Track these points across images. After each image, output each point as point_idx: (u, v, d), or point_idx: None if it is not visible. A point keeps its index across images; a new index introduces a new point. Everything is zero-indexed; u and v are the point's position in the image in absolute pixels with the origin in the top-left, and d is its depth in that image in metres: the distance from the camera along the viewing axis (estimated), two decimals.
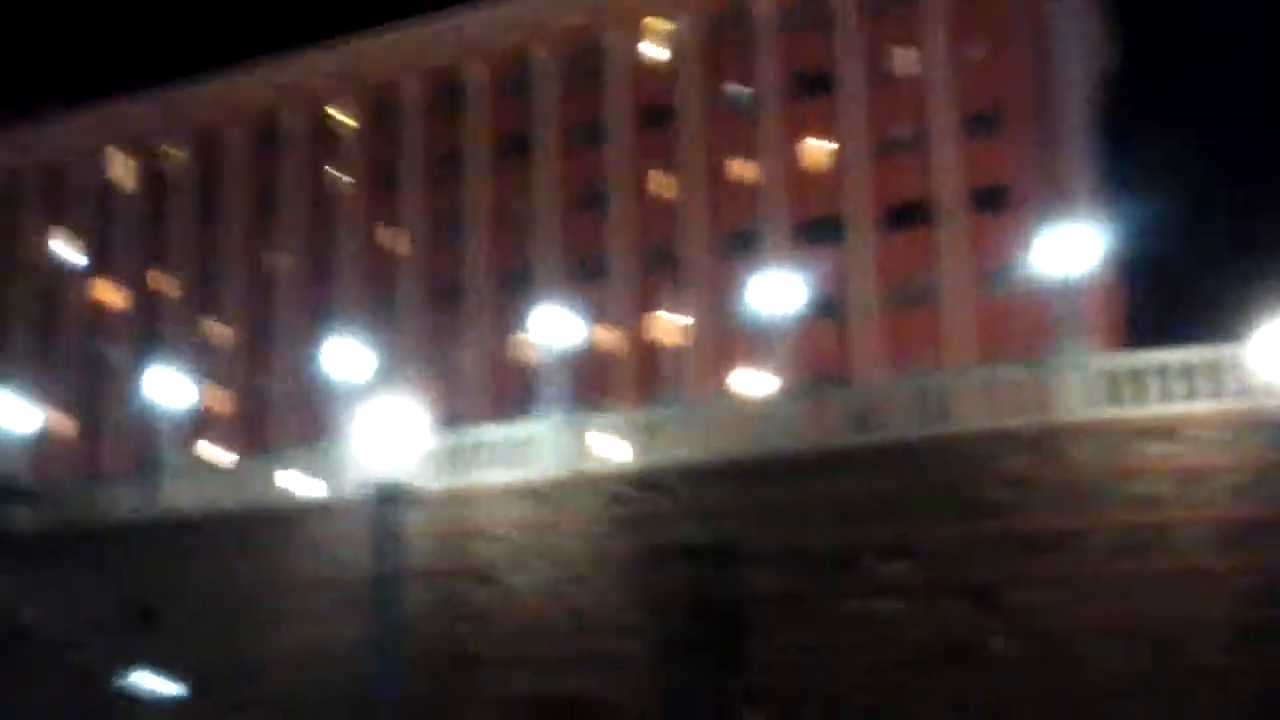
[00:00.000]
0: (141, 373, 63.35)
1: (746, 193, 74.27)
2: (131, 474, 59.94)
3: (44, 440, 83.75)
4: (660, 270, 75.08)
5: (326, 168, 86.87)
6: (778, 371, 60.87)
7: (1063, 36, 71.70)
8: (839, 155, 72.92)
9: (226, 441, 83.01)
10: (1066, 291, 39.74)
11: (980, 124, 70.60)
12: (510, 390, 73.72)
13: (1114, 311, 71.82)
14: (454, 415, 65.28)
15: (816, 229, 71.50)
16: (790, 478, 39.19)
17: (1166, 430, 37.28)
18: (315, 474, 47.31)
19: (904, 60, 72.86)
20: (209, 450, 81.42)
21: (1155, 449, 37.17)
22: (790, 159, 73.68)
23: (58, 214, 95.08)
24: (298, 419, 79.97)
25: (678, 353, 66.85)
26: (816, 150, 73.58)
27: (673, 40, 78.14)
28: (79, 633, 47.91)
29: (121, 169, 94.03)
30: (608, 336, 73.91)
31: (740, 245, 72.70)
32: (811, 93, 74.29)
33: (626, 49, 79.20)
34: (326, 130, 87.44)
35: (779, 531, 38.61)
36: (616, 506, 41.13)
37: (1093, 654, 35.44)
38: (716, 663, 38.03)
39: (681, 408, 51.15)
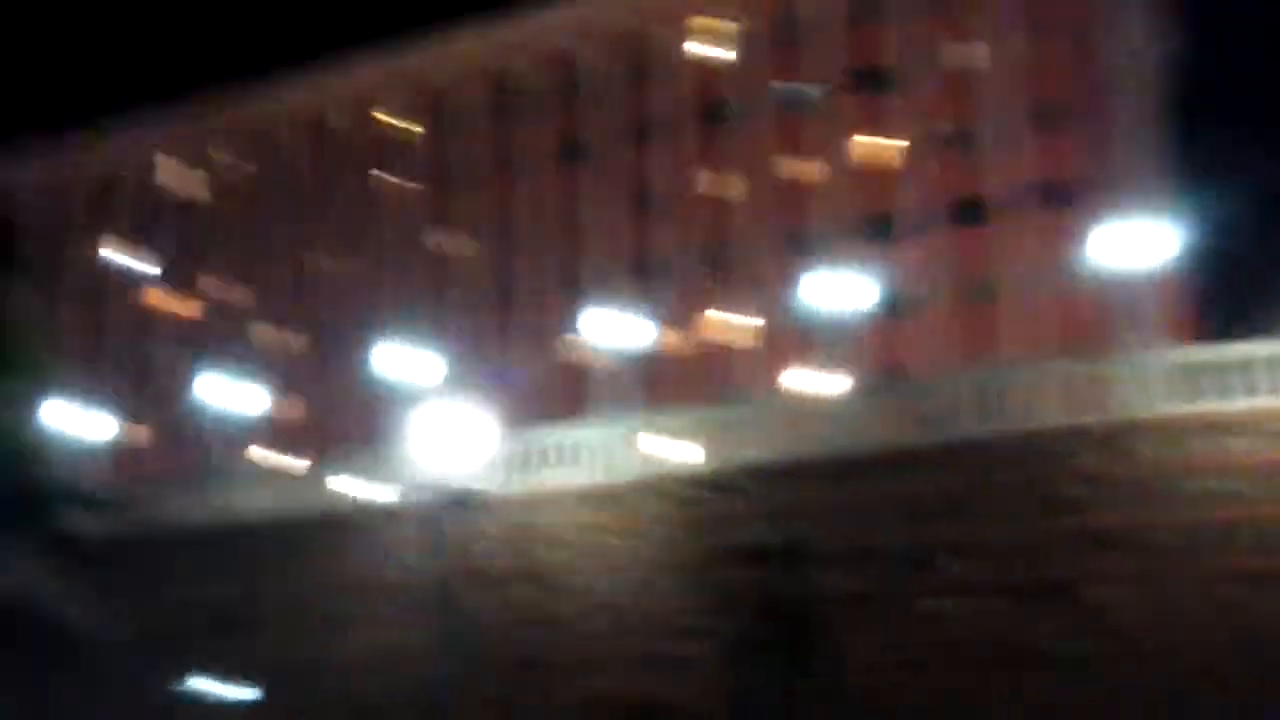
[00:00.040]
0: (204, 380, 63.64)
1: (805, 191, 73.82)
2: (197, 481, 60.09)
3: (112, 448, 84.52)
4: (719, 270, 74.72)
5: (382, 172, 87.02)
6: (841, 370, 60.42)
7: (1125, 26, 70.76)
8: (898, 151, 72.35)
9: (290, 447, 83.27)
10: (1132, 286, 39.12)
11: (1042, 117, 69.88)
12: (571, 393, 73.62)
13: (1182, 306, 70.87)
14: (517, 419, 65.16)
15: (877, 226, 70.97)
16: (857, 477, 38.78)
17: (1239, 425, 36.67)
18: (379, 479, 47.23)
19: (962, 54, 72.18)
20: (273, 456, 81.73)
21: (1228, 444, 36.56)
22: (849, 156, 73.15)
23: (115, 223, 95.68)
24: (360, 423, 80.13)
25: (739, 353, 66.43)
26: (875, 146, 73.02)
27: (727, 38, 77.76)
28: (149, 638, 48.08)
29: (177, 177, 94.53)
30: (668, 337, 73.61)
31: (800, 244, 72.24)
32: (869, 88, 73.71)
33: (680, 48, 78.89)
34: (382, 134, 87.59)
35: (847, 531, 38.19)
36: (682, 508, 40.84)
37: (1168, 652, 34.86)
38: (786, 664, 37.64)
39: (746, 408, 50.67)
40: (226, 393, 50.71)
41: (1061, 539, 36.05)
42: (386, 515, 45.65)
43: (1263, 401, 36.76)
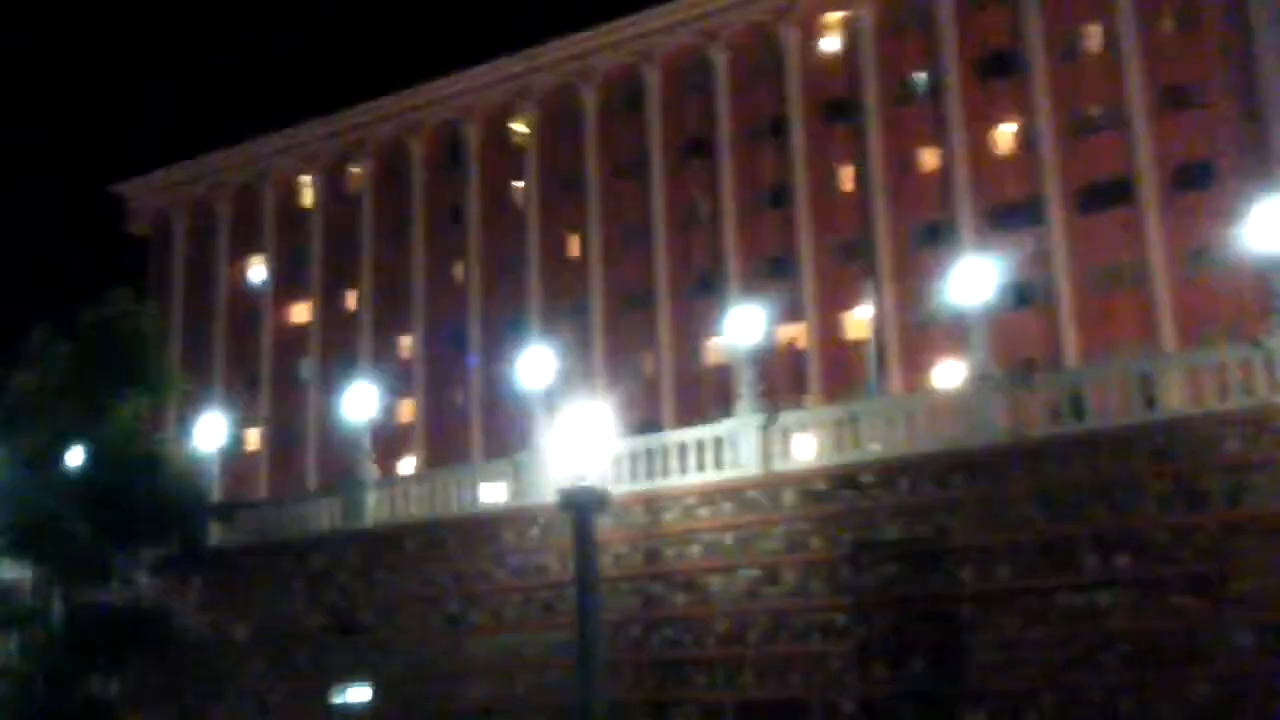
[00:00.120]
0: (334, 388, 64.03)
1: (935, 181, 72.77)
2: (327, 488, 60.53)
3: (242, 456, 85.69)
4: (850, 264, 73.89)
5: (508, 178, 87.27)
6: (976, 361, 59.30)
7: (1262, 1, 68.72)
8: (1030, 137, 71.01)
9: (419, 452, 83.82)
10: (1277, 268, 37.62)
11: (1177, 98, 68.32)
12: (701, 392, 73.24)
13: None
14: (646, 419, 64.90)
15: (1010, 214, 69.77)
16: (994, 469, 37.72)
17: None
18: (507, 482, 47.05)
19: (1092, 36, 70.68)
20: (403, 462, 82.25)
21: None
22: (979, 144, 72.00)
23: (249, 236, 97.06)
24: (488, 428, 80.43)
25: (871, 347, 65.60)
26: (1006, 133, 71.75)
27: (851, 30, 76.88)
28: (282, 644, 48.37)
29: (309, 190, 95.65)
30: (799, 333, 72.95)
31: (932, 235, 71.24)
32: (998, 74, 72.58)
33: (804, 43, 78.20)
34: (507, 141, 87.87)
35: (985, 525, 37.17)
36: (815, 505, 40.02)
37: None
38: (927, 663, 36.78)
39: (879, 401, 49.80)
40: (357, 401, 50.78)
41: (1212, 529, 34.71)
42: (516, 518, 45.40)
43: None
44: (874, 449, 40.06)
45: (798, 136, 77.17)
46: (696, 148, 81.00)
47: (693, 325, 77.38)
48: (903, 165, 74.15)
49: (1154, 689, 34.01)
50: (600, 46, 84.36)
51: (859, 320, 72.22)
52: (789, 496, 40.66)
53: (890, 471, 38.97)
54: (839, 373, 71.62)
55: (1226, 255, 55.85)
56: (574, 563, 38.39)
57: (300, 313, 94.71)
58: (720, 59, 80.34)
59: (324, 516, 50.48)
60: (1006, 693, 35.75)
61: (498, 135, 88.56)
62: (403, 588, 46.89)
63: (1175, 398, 37.01)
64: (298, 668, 47.78)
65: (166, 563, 50.33)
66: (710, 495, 42.05)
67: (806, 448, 41.83)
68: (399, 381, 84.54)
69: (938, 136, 73.15)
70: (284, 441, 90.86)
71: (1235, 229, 42.46)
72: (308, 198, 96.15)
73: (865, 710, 37.89)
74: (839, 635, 38.78)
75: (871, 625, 38.07)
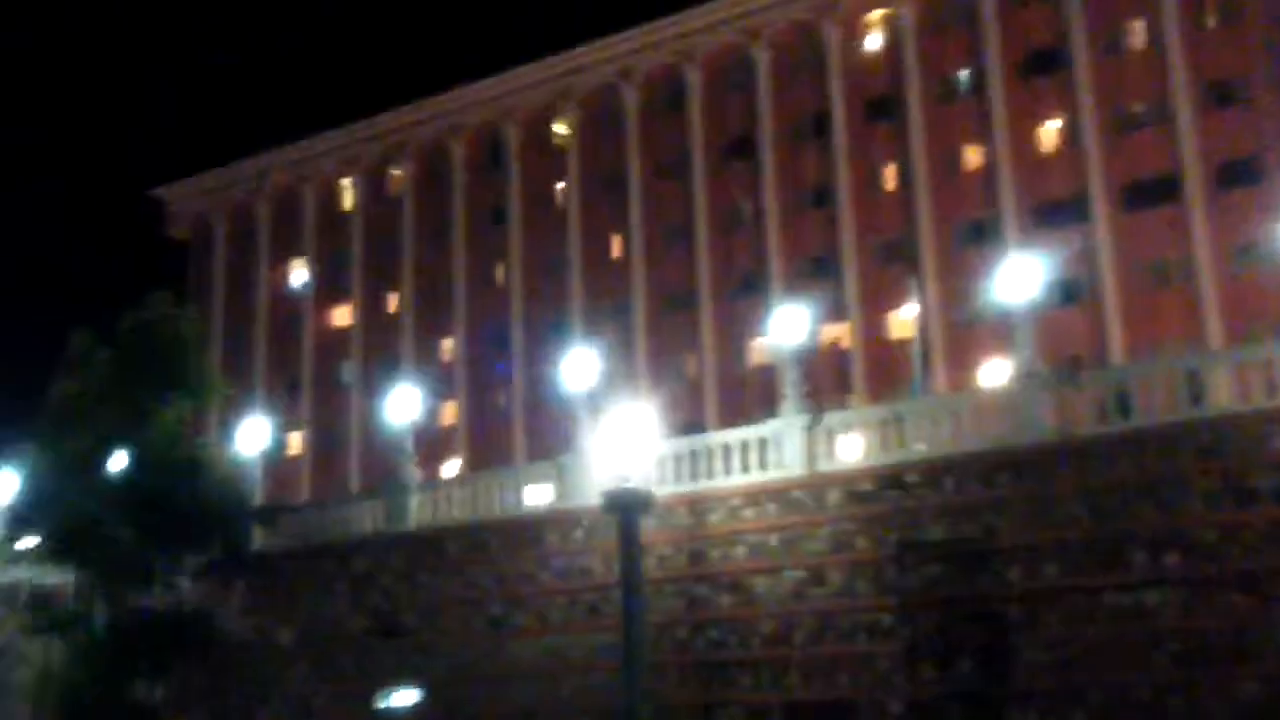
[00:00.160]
0: (376, 391, 64.03)
1: (979, 179, 72.30)
2: (369, 491, 60.52)
3: (284, 460, 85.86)
4: (893, 264, 73.49)
5: (549, 180, 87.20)
6: (1022, 359, 58.83)
7: None
8: (1074, 134, 70.45)
9: (461, 455, 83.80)
10: None
11: (1221, 94, 67.71)
12: (744, 393, 72.99)
13: None
14: (689, 420, 64.68)
15: (1055, 211, 69.26)
16: (1041, 468, 37.36)
17: None
18: (551, 484, 46.92)
19: (1136, 31, 70.09)
20: (445, 464, 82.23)
21: None
22: (1023, 141, 71.49)
23: (290, 240, 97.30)
24: (531, 429, 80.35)
25: (916, 346, 65.18)
26: (1050, 130, 71.22)
27: (893, 28, 76.47)
28: (325, 647, 48.36)
29: (350, 193, 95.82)
30: (842, 333, 72.60)
31: (976, 233, 70.80)
32: (1041, 71, 72.05)
33: (846, 41, 77.83)
34: (548, 142, 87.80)
35: (1032, 525, 36.80)
36: (860, 505, 39.72)
37: None
38: (974, 663, 36.42)
39: (924, 401, 49.38)
40: (399, 404, 50.76)
41: (1256, 527, 34.24)
42: (559, 520, 45.25)
43: None
44: (920, 449, 39.74)
45: (840, 135, 76.81)
46: (738, 147, 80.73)
47: (736, 326, 77.10)
48: (946, 163, 73.68)
49: (1203, 688, 33.59)
50: (641, 46, 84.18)
51: (903, 320, 71.83)
52: (834, 497, 40.39)
53: (936, 471, 38.65)
54: (883, 373, 71.20)
55: (1273, 251, 55.25)
56: (619, 565, 38.22)
57: (341, 316, 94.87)
58: (762, 58, 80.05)
59: (367, 520, 50.46)
60: (1054, 692, 35.38)
61: (539, 136, 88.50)
62: (446, 591, 46.81)
63: (1222, 395, 36.55)
64: (341, 671, 47.74)
65: (209, 567, 50.42)
66: (755, 496, 41.80)
67: (852, 448, 41.54)
68: (441, 384, 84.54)
69: (981, 134, 72.67)
70: (326, 445, 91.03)
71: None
72: (348, 200, 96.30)
73: (913, 711, 37.59)
74: (885, 636, 38.49)
75: (918, 625, 37.76)
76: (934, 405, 43.82)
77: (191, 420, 54.17)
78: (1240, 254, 65.43)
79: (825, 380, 67.22)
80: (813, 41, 78.93)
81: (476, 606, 46.05)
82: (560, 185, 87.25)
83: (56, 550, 50.88)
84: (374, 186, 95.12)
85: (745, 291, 77.61)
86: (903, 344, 70.84)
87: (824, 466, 41.06)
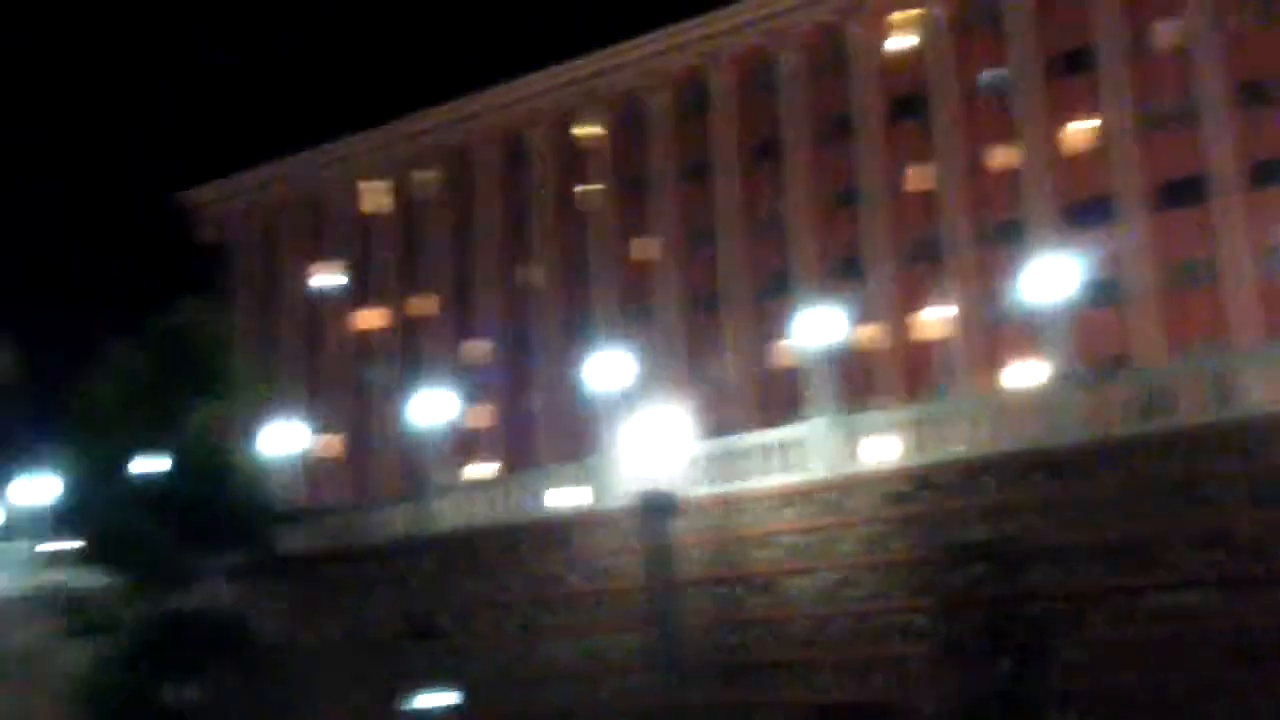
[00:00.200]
0: (405, 394, 64.07)
1: (1008, 179, 71.98)
2: (400, 493, 60.55)
3: (314, 463, 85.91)
4: (922, 264, 73.22)
5: (576, 182, 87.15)
6: (1053, 360, 58.72)
7: None
8: (1104, 134, 70.09)
9: (491, 457, 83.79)
10: None
11: (1254, 93, 67.16)
12: (773, 394, 72.79)
13: None
14: (718, 422, 64.50)
15: (1085, 212, 68.87)
16: (1075, 469, 37.24)
17: None
18: (581, 486, 46.91)
19: (1166, 31, 69.69)
20: (475, 467, 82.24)
21: None
22: (1052, 141, 71.14)
23: (318, 243, 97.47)
24: (560, 432, 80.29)
25: (945, 347, 64.89)
26: (1080, 130, 70.87)
27: (921, 28, 76.20)
28: (357, 649, 48.41)
29: (377, 196, 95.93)
30: (871, 334, 72.33)
31: (1005, 234, 70.45)
32: (1071, 71, 71.66)
33: (873, 42, 77.56)
34: (574, 145, 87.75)
35: (1067, 525, 36.67)
36: (893, 506, 39.63)
37: None
38: (1011, 664, 36.27)
39: (956, 401, 49.21)
40: (429, 407, 50.84)
41: None
42: (590, 521, 45.22)
43: None
44: (955, 449, 39.62)
45: (867, 136, 76.56)
46: (765, 149, 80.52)
47: (764, 327, 76.85)
48: (975, 163, 73.37)
49: (1247, 687, 33.37)
50: (667, 49, 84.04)
51: (932, 320, 71.54)
52: (867, 498, 40.30)
53: (972, 472, 38.54)
54: (912, 374, 70.95)
55: None
56: (650, 566, 38.23)
57: (371, 319, 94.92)
58: (788, 59, 79.88)
59: (398, 522, 50.55)
60: (1094, 693, 35.24)
61: (565, 139, 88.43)
62: (478, 592, 46.83)
63: (1260, 394, 36.36)
64: (375, 673, 47.76)
65: (243, 569, 50.52)
66: (788, 497, 41.74)
67: (884, 449, 41.43)
68: (470, 386, 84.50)
69: (1010, 134, 72.34)
70: (356, 447, 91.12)
71: None
72: (376, 203, 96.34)
73: (948, 712, 37.45)
74: (920, 637, 38.40)
75: (954, 626, 37.63)
76: (968, 406, 43.66)
77: (223, 423, 54.26)
78: (1273, 254, 65.04)
79: (854, 381, 66.97)
80: (839, 43, 78.71)
81: (508, 608, 46.07)
82: (587, 187, 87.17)
83: (92, 553, 51.12)
84: (401, 189, 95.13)
85: (773, 293, 77.37)
86: (931, 345, 70.56)
87: (857, 467, 40.98)
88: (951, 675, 37.39)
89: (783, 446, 42.64)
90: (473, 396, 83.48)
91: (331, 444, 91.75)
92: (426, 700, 45.02)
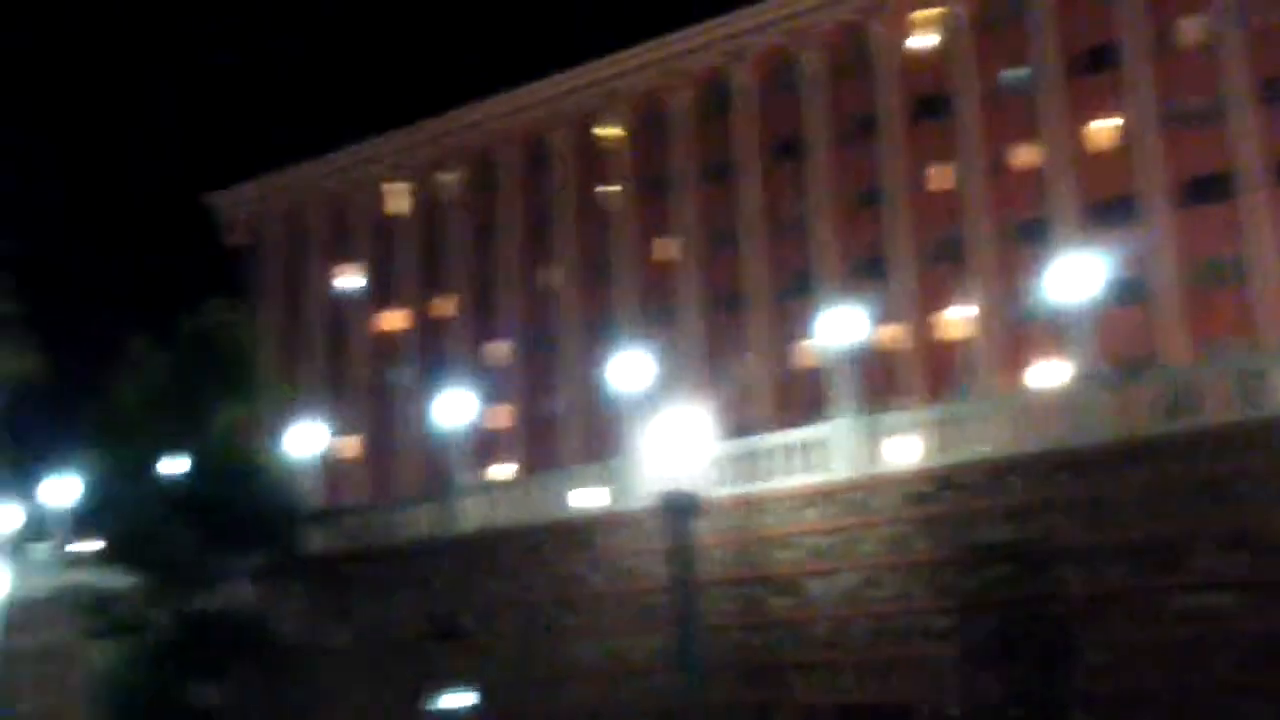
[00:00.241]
0: (427, 395, 64.14)
1: (1031, 178, 71.73)
2: (421, 494, 60.58)
3: (336, 464, 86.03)
4: (945, 264, 73.01)
5: (597, 183, 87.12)
6: (1077, 360, 58.45)
7: None
8: (1128, 132, 69.79)
9: (512, 458, 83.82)
10: None
11: (1277, 90, 66.80)
12: (795, 395, 72.65)
13: None
14: (739, 423, 64.40)
15: (1108, 210, 68.58)
16: (1099, 469, 37.06)
17: None
18: (603, 486, 46.88)
19: (1190, 28, 69.39)
20: (496, 468, 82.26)
21: None
22: (1076, 139, 70.86)
23: (341, 245, 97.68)
24: (582, 433, 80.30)
25: (968, 347, 64.66)
26: (1104, 128, 70.56)
27: (942, 27, 75.98)
28: (380, 649, 48.44)
29: (400, 198, 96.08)
30: (894, 334, 72.14)
31: (1028, 233, 70.20)
32: (1094, 68, 71.39)
33: (895, 41, 77.37)
34: (596, 145, 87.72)
35: (1092, 526, 36.50)
36: (916, 507, 39.50)
37: None
38: (1034, 665, 36.13)
39: (979, 402, 49.03)
40: (450, 407, 50.86)
41: None
42: (612, 522, 45.19)
43: None
44: (978, 449, 39.46)
45: (890, 135, 76.39)
46: (788, 148, 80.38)
47: (786, 327, 76.72)
48: (998, 162, 73.14)
49: (1273, 690, 33.17)
50: (689, 49, 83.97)
51: (955, 320, 71.35)
52: (890, 498, 40.19)
53: (996, 472, 38.40)
54: (936, 373, 70.78)
55: None
56: (671, 566, 38.16)
57: (393, 320, 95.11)
58: (810, 58, 79.75)
59: (421, 522, 50.58)
60: (1118, 694, 35.06)
61: (587, 139, 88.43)
62: (501, 593, 46.84)
63: None
64: (399, 673, 47.81)
65: (266, 570, 50.64)
66: (809, 498, 41.66)
67: (907, 449, 41.31)
68: (492, 387, 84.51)
69: (1033, 132, 72.11)
70: (380, 448, 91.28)
71: None
72: (399, 205, 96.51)
73: (971, 713, 37.32)
74: (943, 638, 38.26)
75: (977, 627, 37.50)
76: (992, 406, 43.50)
77: (248, 424, 54.45)
78: None
79: (876, 381, 66.81)
80: (861, 42, 78.56)
81: (531, 609, 46.05)
82: (608, 188, 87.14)
83: (116, 554, 51.34)
84: (424, 191, 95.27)
85: (795, 293, 77.23)
86: (954, 344, 70.36)
87: (879, 468, 40.87)
88: (974, 676, 37.26)
89: (805, 447, 42.55)
90: (494, 397, 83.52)
91: (353, 445, 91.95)
92: (449, 700, 45.06)
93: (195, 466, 49.84)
